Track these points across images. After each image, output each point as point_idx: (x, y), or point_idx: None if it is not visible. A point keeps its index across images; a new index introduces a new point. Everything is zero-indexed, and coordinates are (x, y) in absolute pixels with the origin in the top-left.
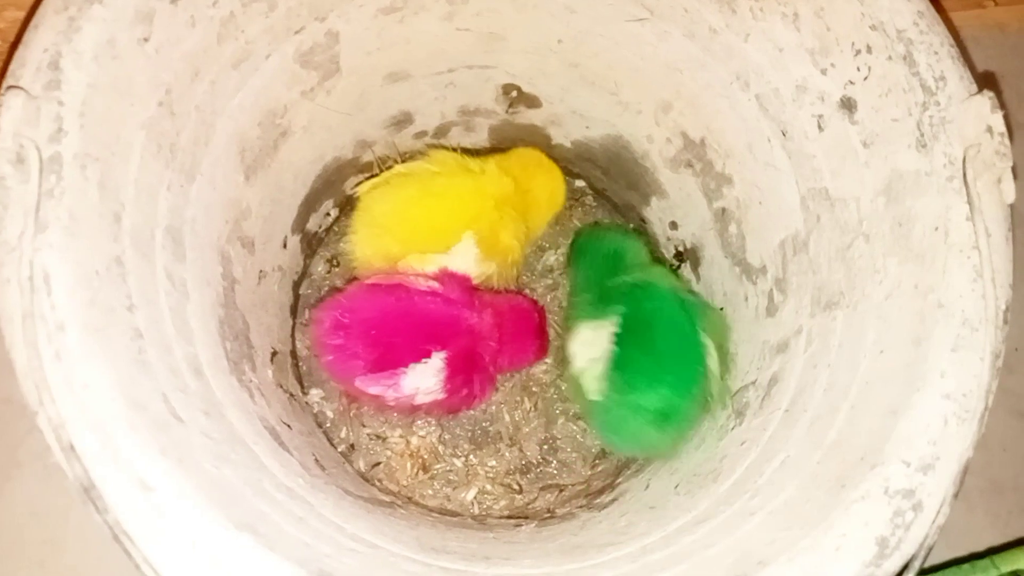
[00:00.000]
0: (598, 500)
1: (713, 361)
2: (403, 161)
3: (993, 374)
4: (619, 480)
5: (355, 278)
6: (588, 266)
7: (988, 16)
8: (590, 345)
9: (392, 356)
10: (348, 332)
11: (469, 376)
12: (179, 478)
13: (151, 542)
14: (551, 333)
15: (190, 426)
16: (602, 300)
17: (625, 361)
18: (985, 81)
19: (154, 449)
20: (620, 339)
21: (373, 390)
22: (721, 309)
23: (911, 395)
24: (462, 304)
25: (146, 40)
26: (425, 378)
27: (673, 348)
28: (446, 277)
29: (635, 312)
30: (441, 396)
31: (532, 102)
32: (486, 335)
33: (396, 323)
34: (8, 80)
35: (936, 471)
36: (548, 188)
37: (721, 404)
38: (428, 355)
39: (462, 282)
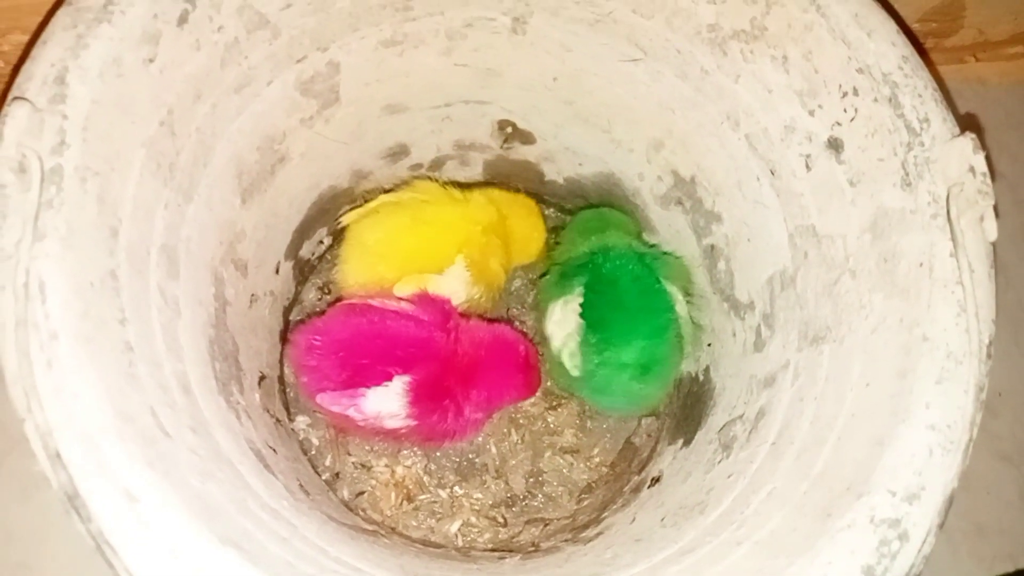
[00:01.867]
0: (584, 534)
1: (681, 306)
2: (388, 191)
3: (977, 406)
4: (605, 514)
5: (339, 299)
6: (563, 248)
7: (969, 70)
8: (561, 322)
9: (357, 378)
10: (320, 354)
11: (438, 403)
12: (165, 491)
13: (134, 553)
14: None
15: (177, 441)
16: (565, 276)
17: (598, 324)
18: (967, 124)
19: (141, 461)
20: (589, 306)
21: (334, 408)
22: (680, 257)
23: (896, 426)
24: (434, 326)
25: (151, 61)
26: (387, 401)
27: (640, 301)
28: (422, 299)
29: (597, 277)
30: (411, 422)
31: (527, 138)
32: (458, 362)
33: (364, 345)
34: (14, 91)
35: (922, 501)
36: (528, 235)
37: (696, 345)
38: (390, 378)
39: (439, 304)
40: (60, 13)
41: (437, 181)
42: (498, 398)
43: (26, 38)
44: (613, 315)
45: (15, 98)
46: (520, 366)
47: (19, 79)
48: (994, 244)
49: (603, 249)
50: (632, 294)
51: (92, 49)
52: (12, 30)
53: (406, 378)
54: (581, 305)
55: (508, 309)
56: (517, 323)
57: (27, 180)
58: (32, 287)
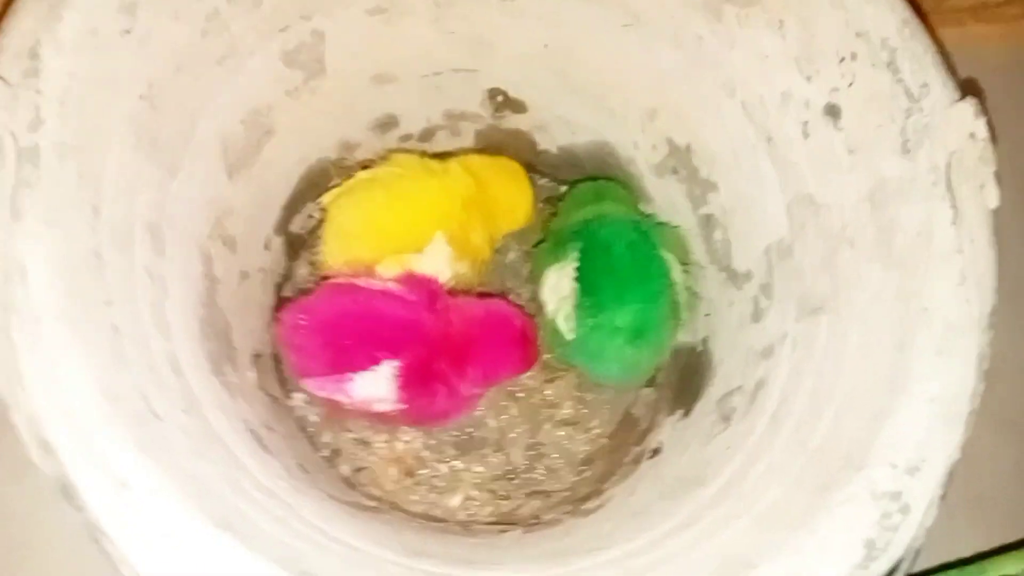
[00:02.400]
0: (584, 506)
1: (677, 273)
2: (364, 167)
3: (979, 377)
4: (605, 486)
5: (326, 277)
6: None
7: (968, 32)
8: (556, 287)
9: (343, 361)
10: (305, 333)
11: (428, 387)
12: (157, 474)
13: (128, 539)
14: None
15: (168, 423)
16: (559, 243)
17: (592, 288)
18: (967, 89)
19: (131, 444)
20: (584, 271)
21: (321, 393)
22: (677, 227)
23: (896, 398)
24: (423, 308)
25: (128, 32)
26: (376, 386)
27: (634, 266)
28: (410, 279)
29: (592, 243)
30: (401, 406)
31: (518, 107)
32: (449, 343)
33: (350, 326)
34: None
35: (922, 473)
36: (515, 200)
37: (692, 310)
38: (377, 363)
39: (427, 284)
40: None
41: (415, 152)
42: (495, 374)
43: None
44: (607, 280)
45: None
46: (516, 340)
47: None
48: (995, 212)
49: (599, 216)
50: (627, 259)
51: (66, 20)
52: None
53: (395, 363)
54: (576, 270)
55: (504, 282)
56: (513, 295)
57: (1, 159)
58: (11, 269)
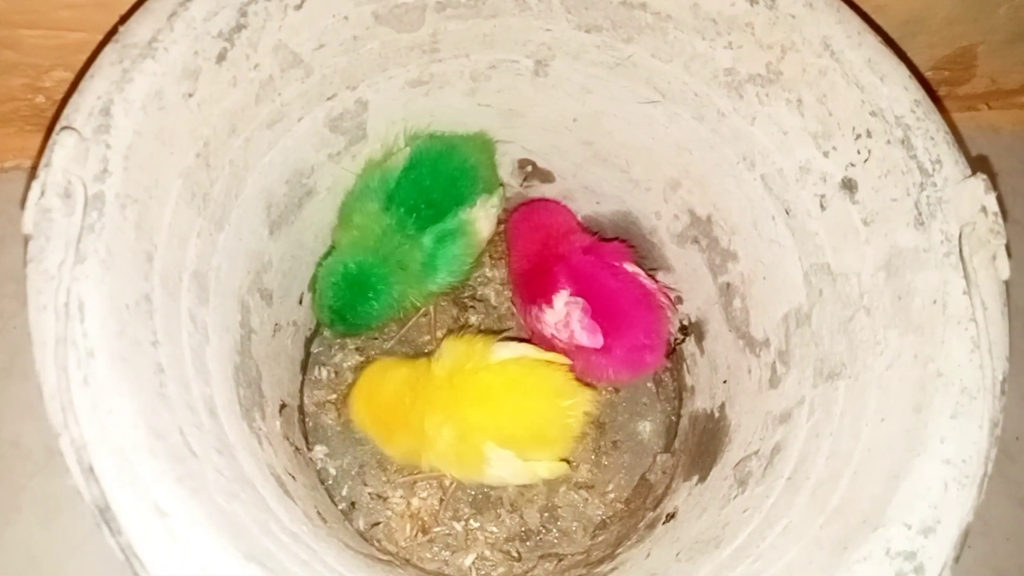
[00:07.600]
0: (598, 569)
1: None
2: None
3: (992, 442)
4: (619, 550)
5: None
6: None
7: (982, 118)
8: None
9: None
10: None
11: None
12: (192, 507)
13: (162, 566)
14: None
15: (203, 461)
16: None
17: None
18: (979, 167)
19: (170, 477)
20: None
21: None
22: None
23: (912, 460)
24: None
25: (191, 95)
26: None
27: None
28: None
29: None
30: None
31: (546, 177)
32: None
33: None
34: (62, 121)
35: (937, 534)
36: None
37: None
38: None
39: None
40: (107, 49)
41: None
42: None
43: (68, 75)
44: None
45: (63, 128)
46: None
47: (67, 110)
48: (1007, 284)
49: None
50: None
51: (136, 83)
52: (55, 67)
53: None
54: None
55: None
56: None
57: (71, 205)
58: (72, 307)
